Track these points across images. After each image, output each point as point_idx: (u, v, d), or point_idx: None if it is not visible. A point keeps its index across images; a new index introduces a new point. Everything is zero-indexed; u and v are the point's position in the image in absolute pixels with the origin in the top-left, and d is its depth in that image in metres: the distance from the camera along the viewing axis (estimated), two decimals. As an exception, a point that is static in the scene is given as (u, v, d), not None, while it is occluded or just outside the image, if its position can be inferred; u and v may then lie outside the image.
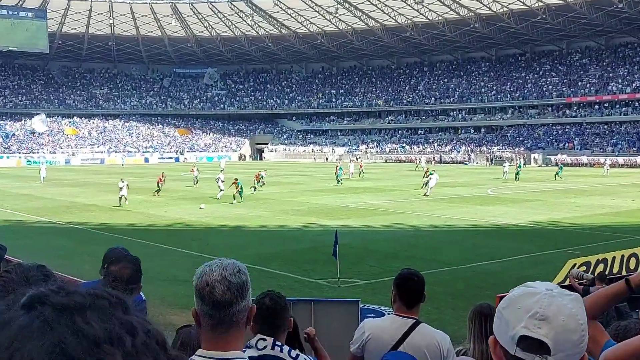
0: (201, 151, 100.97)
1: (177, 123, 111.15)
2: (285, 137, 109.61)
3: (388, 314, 11.18)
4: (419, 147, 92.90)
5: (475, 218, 25.00)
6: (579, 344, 1.40)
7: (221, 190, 32.03)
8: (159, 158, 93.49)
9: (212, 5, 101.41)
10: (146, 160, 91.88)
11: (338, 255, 13.01)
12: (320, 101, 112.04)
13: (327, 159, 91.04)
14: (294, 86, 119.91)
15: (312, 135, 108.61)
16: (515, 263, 16.22)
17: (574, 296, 1.44)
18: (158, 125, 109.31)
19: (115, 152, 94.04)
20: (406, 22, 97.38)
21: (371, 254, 17.67)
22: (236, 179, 30.38)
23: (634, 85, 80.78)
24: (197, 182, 39.81)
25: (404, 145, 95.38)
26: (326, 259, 15.24)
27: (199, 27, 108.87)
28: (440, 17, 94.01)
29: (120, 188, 28.77)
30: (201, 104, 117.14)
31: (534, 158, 73.91)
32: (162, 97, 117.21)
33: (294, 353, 2.97)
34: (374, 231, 22.10)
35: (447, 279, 14.29)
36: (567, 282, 11.26)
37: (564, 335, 1.37)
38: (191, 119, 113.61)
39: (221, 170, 34.67)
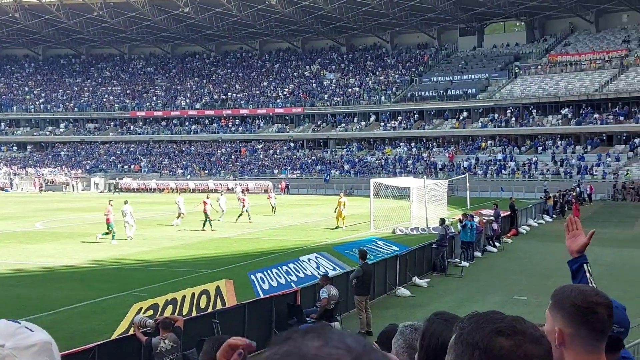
0: None
1: None
2: None
3: None
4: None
5: (19, 260, 23.94)
6: None
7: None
8: None
9: None
10: None
11: None
12: None
13: None
14: None
15: None
16: (72, 314, 16.02)
17: (37, 347, 1.30)
18: None
19: None
20: None
21: None
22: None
23: (203, 100, 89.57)
24: None
25: None
26: None
27: None
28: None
29: None
30: None
31: (94, 182, 74.94)
32: None
33: None
34: None
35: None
36: (131, 331, 11.60)
37: None
38: None
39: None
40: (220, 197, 38.21)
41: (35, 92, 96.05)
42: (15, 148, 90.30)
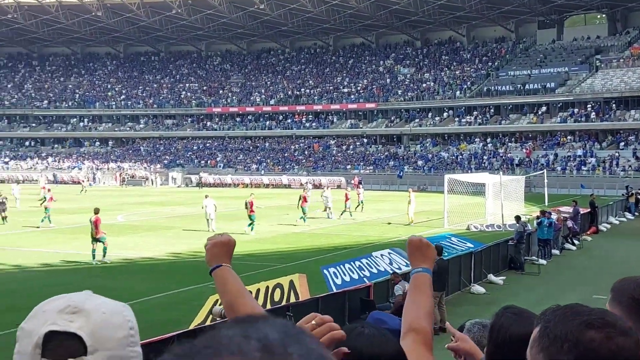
0: None
1: None
2: None
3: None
4: (27, 162, 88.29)
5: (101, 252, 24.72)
6: (127, 345, 1.43)
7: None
8: None
9: None
10: None
11: None
12: None
13: None
14: None
15: None
16: (152, 305, 16.49)
17: (122, 304, 1.52)
18: None
19: None
20: (6, 1, 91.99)
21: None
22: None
23: (277, 96, 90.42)
24: None
25: (7, 160, 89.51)
26: None
27: None
28: (53, 0, 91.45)
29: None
30: None
31: (172, 177, 76.68)
32: None
33: None
34: (-38, 277, 20.16)
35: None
36: (209, 321, 11.88)
37: (107, 330, 1.40)
38: None
39: None
40: (324, 191, 38.59)
41: (116, 89, 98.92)
42: (97, 143, 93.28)
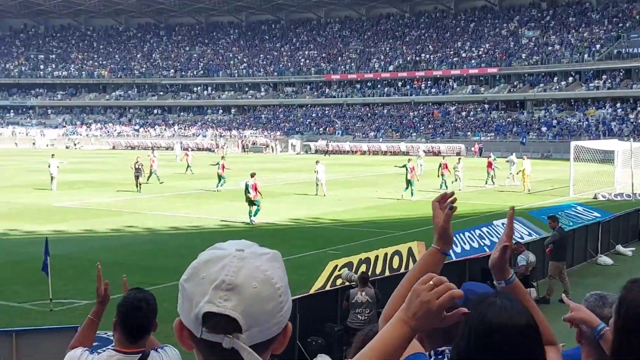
0: None
1: None
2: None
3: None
4: (155, 129, 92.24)
5: (225, 216, 25.61)
6: (277, 312, 1.45)
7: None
8: None
9: None
10: None
11: (50, 270, 12.37)
12: (24, 68, 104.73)
13: (34, 144, 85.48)
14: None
15: (12, 114, 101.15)
16: (272, 268, 16.96)
17: (270, 255, 1.52)
18: None
19: None
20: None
21: (95, 267, 17.03)
22: None
23: (396, 62, 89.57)
24: None
25: (137, 127, 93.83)
26: (34, 276, 14.38)
27: None
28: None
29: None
30: None
31: (291, 144, 77.92)
32: None
33: None
34: (98, 237, 21.46)
35: (192, 292, 14.37)
36: (328, 287, 12.12)
37: (257, 306, 1.41)
38: None
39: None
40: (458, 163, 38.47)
41: (238, 58, 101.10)
42: (220, 111, 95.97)
